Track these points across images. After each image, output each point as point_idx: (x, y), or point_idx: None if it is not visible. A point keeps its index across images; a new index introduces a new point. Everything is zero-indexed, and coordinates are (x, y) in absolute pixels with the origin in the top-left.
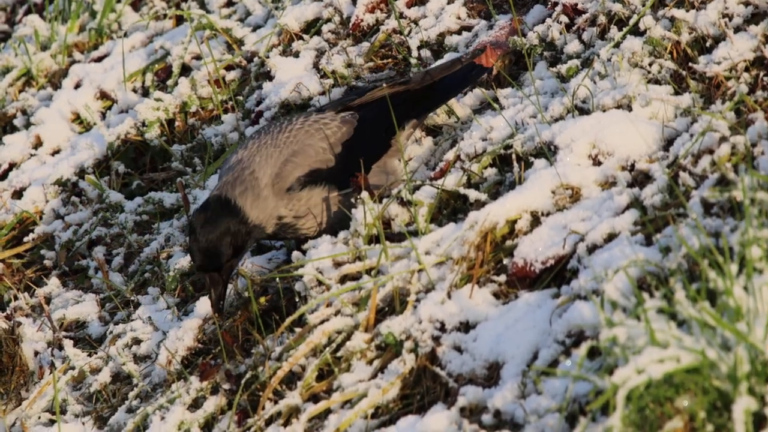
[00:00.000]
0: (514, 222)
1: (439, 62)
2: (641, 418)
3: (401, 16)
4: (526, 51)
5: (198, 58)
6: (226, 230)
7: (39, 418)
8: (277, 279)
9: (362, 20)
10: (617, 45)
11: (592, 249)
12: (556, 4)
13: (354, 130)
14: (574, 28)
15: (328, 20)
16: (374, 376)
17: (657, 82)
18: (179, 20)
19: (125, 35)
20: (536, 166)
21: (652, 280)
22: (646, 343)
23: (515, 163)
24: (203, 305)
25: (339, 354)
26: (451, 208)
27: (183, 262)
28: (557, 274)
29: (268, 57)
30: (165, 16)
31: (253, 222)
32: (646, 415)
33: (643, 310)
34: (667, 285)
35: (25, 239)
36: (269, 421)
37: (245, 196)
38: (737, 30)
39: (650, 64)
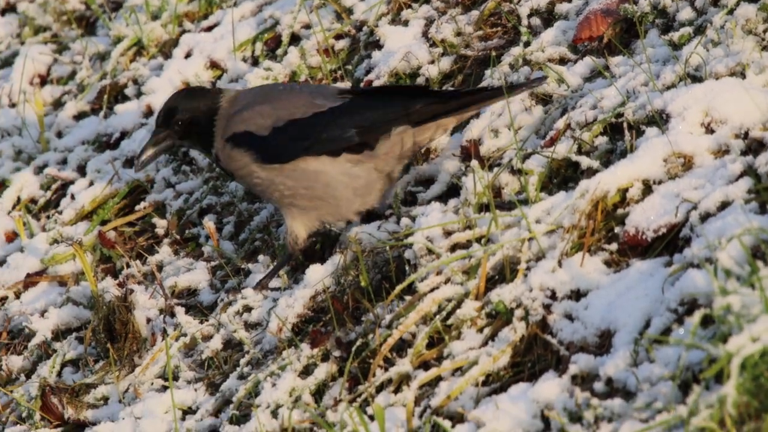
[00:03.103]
0: (626, 190)
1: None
2: (756, 386)
3: None
4: (638, 18)
5: (307, 27)
6: (196, 107)
7: (152, 384)
8: (387, 247)
9: None
10: (731, 12)
11: (705, 217)
12: None
13: (319, 111)
14: None
15: None
16: (485, 343)
17: None
18: None
19: (235, 4)
20: (648, 134)
21: (766, 248)
22: (761, 311)
23: (626, 132)
24: (314, 273)
25: (449, 322)
26: (561, 177)
27: None
28: (669, 243)
29: (377, 26)
30: None
31: (214, 127)
32: (760, 383)
33: (758, 278)
34: None
35: (137, 207)
36: (380, 388)
37: (227, 110)
38: None
39: (764, 31)
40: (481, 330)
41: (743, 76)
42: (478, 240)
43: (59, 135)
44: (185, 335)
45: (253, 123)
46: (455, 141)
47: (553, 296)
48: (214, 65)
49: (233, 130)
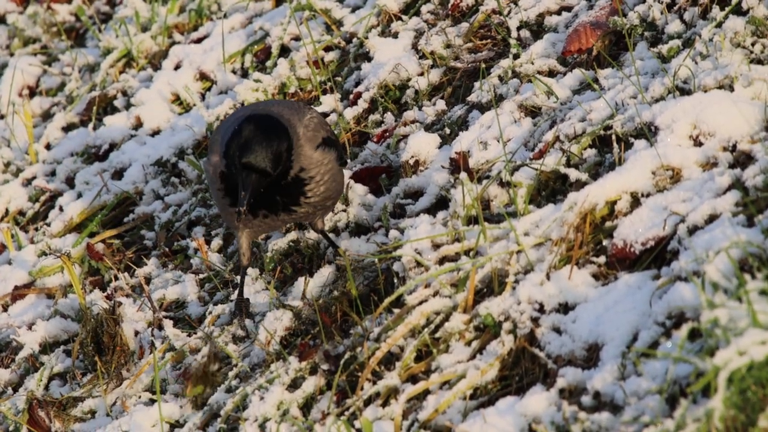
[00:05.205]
0: (614, 203)
1: None
2: (743, 400)
3: None
4: (627, 31)
5: (297, 39)
6: (284, 145)
7: (139, 397)
8: (376, 259)
9: (461, 0)
10: (719, 25)
11: (692, 230)
12: None
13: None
14: (676, 7)
15: (427, 1)
16: (473, 357)
17: (759, 62)
18: (278, 1)
19: (225, 16)
20: (636, 146)
21: (753, 261)
22: (748, 324)
23: (615, 144)
24: (302, 286)
25: (437, 335)
26: (550, 190)
27: (281, 243)
28: (657, 256)
29: (366, 38)
30: None
31: (294, 151)
32: (747, 397)
33: (745, 291)
34: None
35: (125, 220)
36: (368, 402)
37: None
38: None
39: (753, 44)
40: (469, 343)
41: (731, 88)
42: (467, 253)
43: (48, 147)
44: (173, 348)
45: (324, 129)
46: (444, 153)
47: (541, 309)
48: (203, 77)
49: (321, 134)
